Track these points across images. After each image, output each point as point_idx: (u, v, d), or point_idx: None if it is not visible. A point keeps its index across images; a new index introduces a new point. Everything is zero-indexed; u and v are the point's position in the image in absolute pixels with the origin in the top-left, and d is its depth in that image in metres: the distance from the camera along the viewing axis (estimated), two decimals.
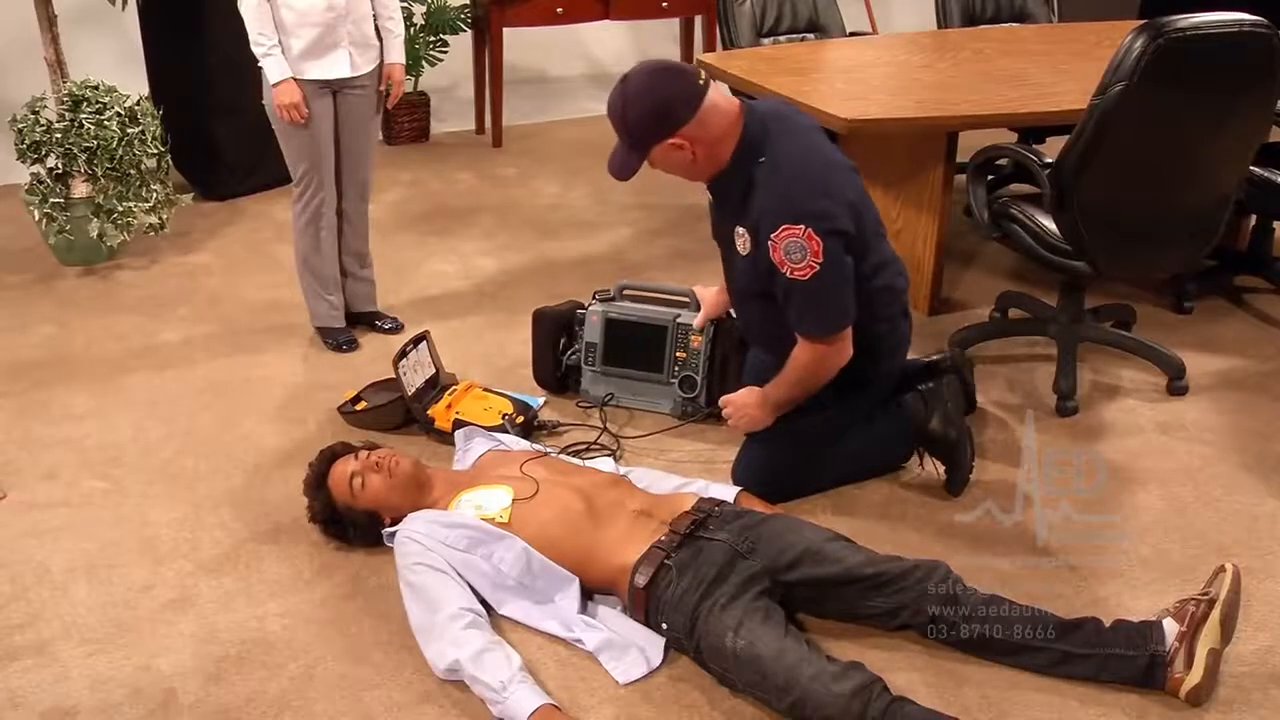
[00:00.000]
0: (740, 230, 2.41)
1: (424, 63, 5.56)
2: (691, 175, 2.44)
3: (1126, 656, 2.08)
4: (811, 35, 4.53)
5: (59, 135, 3.93)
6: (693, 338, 2.95)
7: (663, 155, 2.38)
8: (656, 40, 6.79)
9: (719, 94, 2.36)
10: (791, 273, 2.33)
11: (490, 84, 5.68)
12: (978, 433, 2.86)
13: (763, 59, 4.00)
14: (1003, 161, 3.68)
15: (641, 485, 2.56)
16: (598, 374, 3.12)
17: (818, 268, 2.31)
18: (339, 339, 3.52)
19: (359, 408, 3.07)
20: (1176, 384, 3.20)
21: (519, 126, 5.92)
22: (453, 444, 2.85)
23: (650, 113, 2.33)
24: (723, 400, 2.66)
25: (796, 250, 2.30)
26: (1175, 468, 2.85)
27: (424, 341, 3.13)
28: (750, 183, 2.37)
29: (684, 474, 2.71)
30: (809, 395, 2.55)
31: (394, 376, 2.99)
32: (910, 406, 2.69)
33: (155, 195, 4.12)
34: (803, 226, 2.29)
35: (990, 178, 3.87)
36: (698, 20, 6.09)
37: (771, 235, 2.32)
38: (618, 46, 6.82)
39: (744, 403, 2.61)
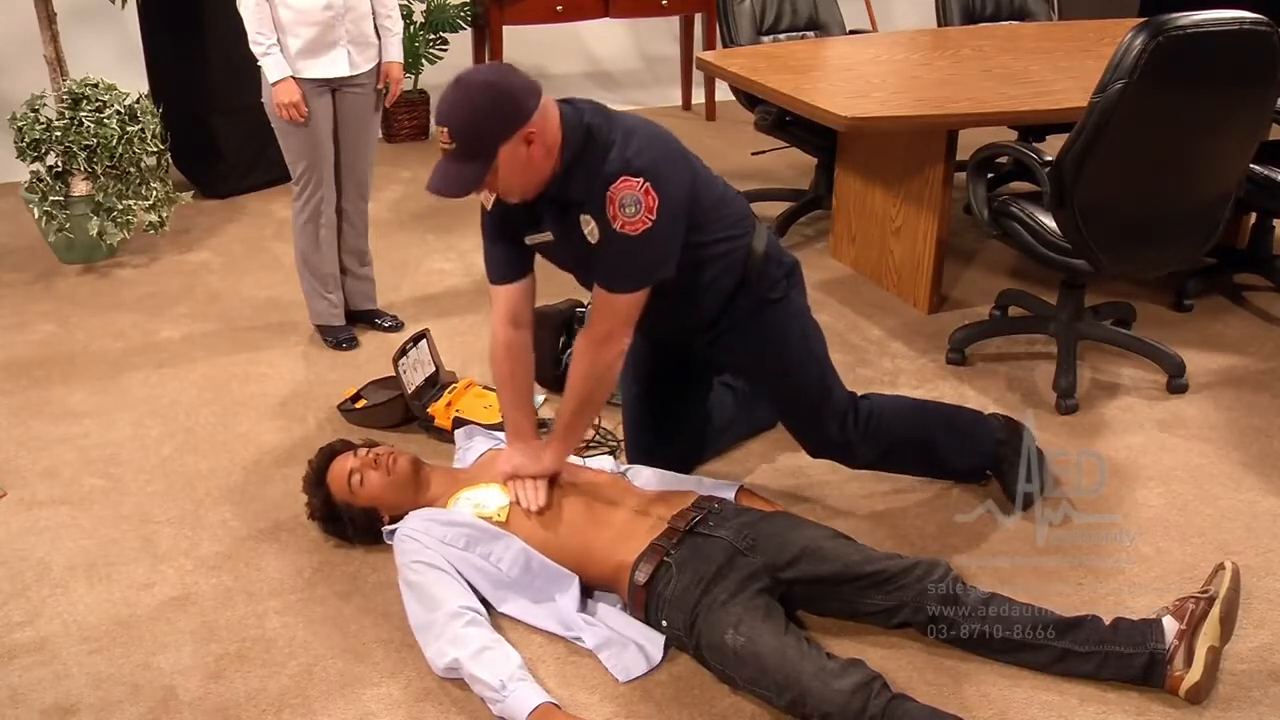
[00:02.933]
0: (586, 218, 2.22)
1: (424, 60, 5.56)
2: (530, 183, 2.19)
3: (1126, 654, 2.08)
4: (811, 33, 4.53)
5: (59, 133, 3.93)
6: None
7: (510, 156, 2.11)
8: (656, 38, 6.79)
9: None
10: (622, 226, 2.16)
11: None
12: None
13: (763, 57, 4.00)
14: (1003, 159, 3.68)
15: (640, 482, 2.56)
16: None
17: (649, 224, 2.16)
18: (339, 337, 3.52)
19: (359, 405, 3.08)
20: (1176, 382, 3.20)
21: None
22: (452, 442, 2.85)
23: (498, 105, 2.09)
24: (507, 483, 2.42)
25: (631, 203, 2.14)
26: (1175, 465, 2.85)
27: (424, 339, 3.13)
28: (593, 168, 2.18)
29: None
30: (595, 406, 2.43)
31: (394, 374, 2.99)
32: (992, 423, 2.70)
33: (155, 193, 4.13)
34: (641, 180, 2.14)
35: (990, 176, 3.87)
36: (698, 18, 6.09)
37: (610, 189, 2.15)
38: (617, 45, 6.82)
39: (520, 465, 2.41)
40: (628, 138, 2.18)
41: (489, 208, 2.35)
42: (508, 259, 2.42)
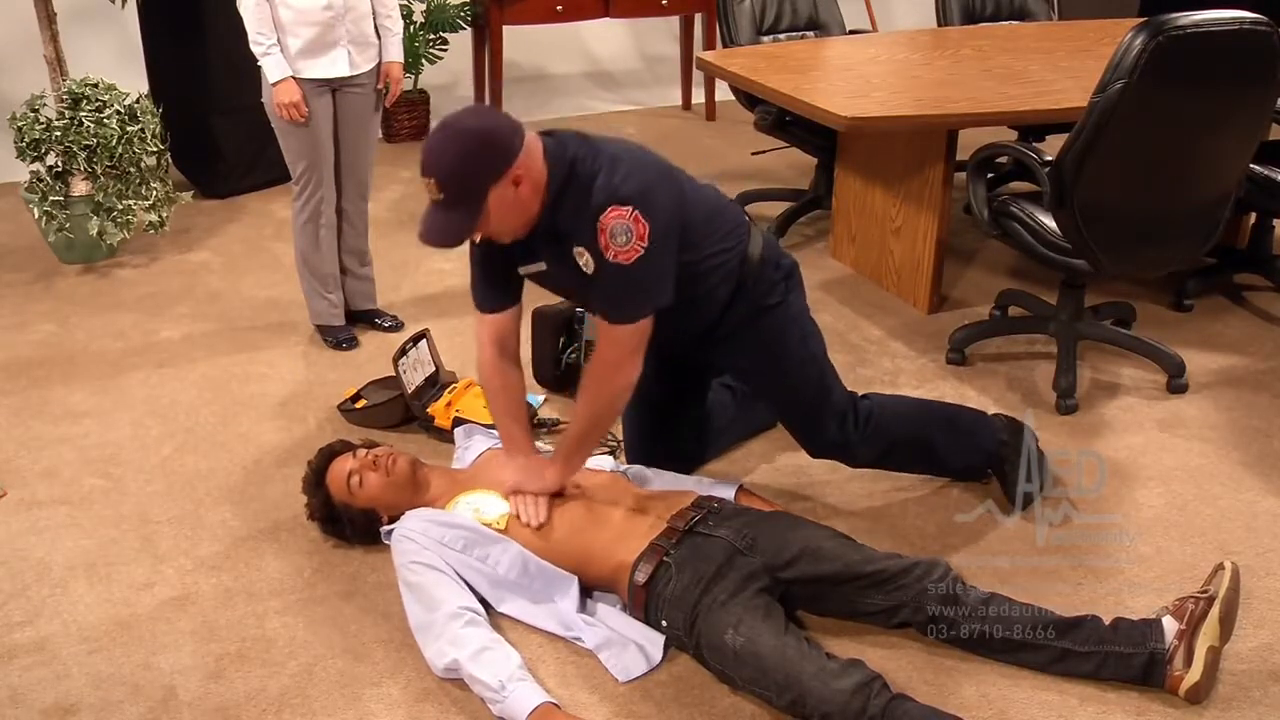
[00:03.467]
0: (579, 250, 2.21)
1: (424, 60, 5.56)
2: (521, 223, 2.20)
3: (1126, 654, 2.08)
4: (811, 33, 4.53)
5: (59, 133, 3.93)
6: None
7: (499, 199, 2.11)
8: (656, 38, 6.79)
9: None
10: (615, 256, 2.15)
11: (490, 82, 5.68)
12: None
13: (762, 57, 4.00)
14: (1003, 159, 3.68)
15: (639, 482, 2.56)
16: None
17: (641, 252, 2.14)
18: (339, 337, 3.52)
19: (359, 405, 3.08)
20: (1176, 382, 3.20)
21: None
22: (452, 442, 2.85)
23: (483, 149, 2.09)
24: (509, 497, 2.40)
25: (622, 232, 2.13)
26: (1175, 465, 2.85)
27: (424, 339, 3.13)
28: (580, 199, 2.16)
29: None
30: (601, 432, 2.43)
31: (394, 374, 2.99)
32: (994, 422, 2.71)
33: (155, 193, 4.13)
34: (630, 208, 2.12)
35: (990, 176, 3.87)
36: (698, 18, 6.09)
37: (599, 219, 2.13)
38: (617, 45, 6.82)
39: (522, 483, 2.39)
40: (613, 165, 2.17)
41: (478, 239, 2.33)
42: (496, 288, 2.42)
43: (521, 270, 2.36)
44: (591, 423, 2.38)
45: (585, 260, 2.21)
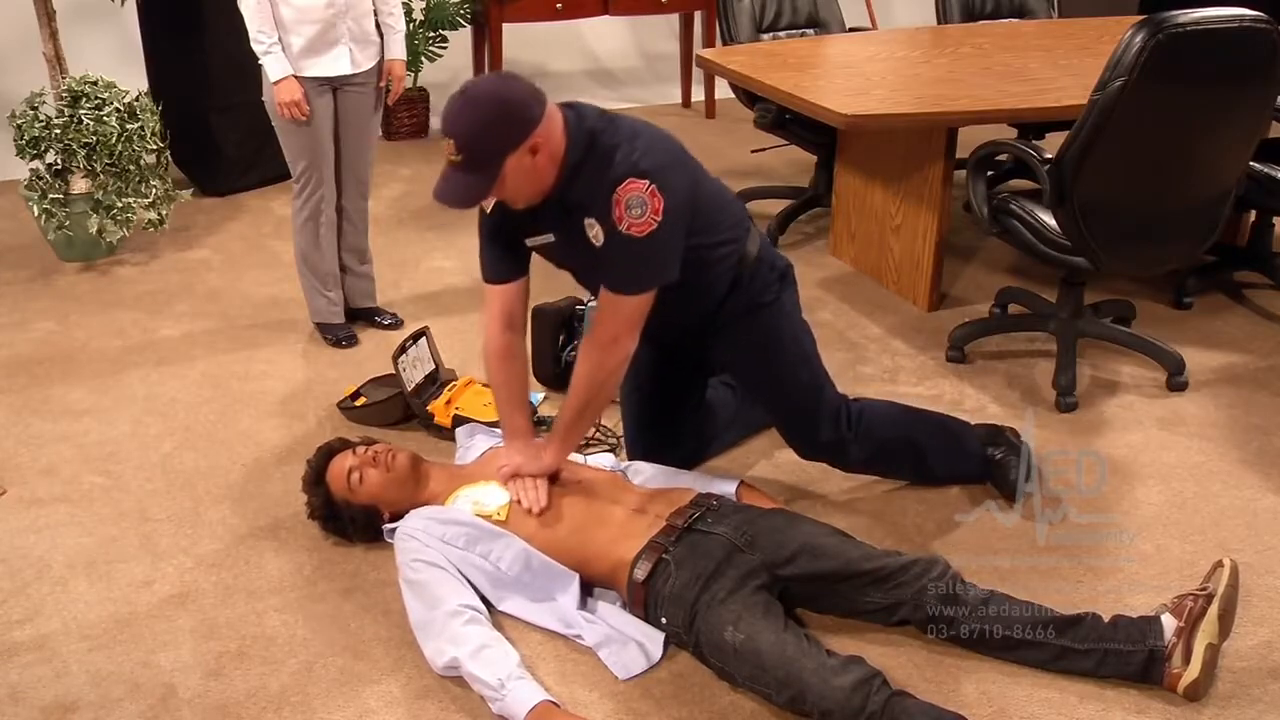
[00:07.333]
0: (590, 221, 2.22)
1: (423, 58, 5.56)
2: (536, 190, 2.20)
3: (1125, 652, 2.09)
4: (811, 31, 4.53)
5: (58, 131, 3.93)
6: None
7: (516, 166, 2.12)
8: (655, 36, 6.80)
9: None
10: (628, 228, 2.16)
11: None
12: None
13: (762, 55, 4.00)
14: (1003, 157, 3.69)
15: (639, 480, 2.56)
16: None
17: (655, 225, 2.16)
18: (338, 335, 3.53)
19: (358, 403, 3.08)
20: (1176, 379, 3.20)
21: None
22: (451, 439, 2.85)
23: (504, 116, 2.10)
24: (508, 483, 2.41)
25: (638, 205, 2.14)
26: (1175, 463, 2.85)
27: (423, 337, 3.13)
28: (598, 172, 2.18)
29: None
30: (597, 409, 2.42)
31: (394, 372, 2.99)
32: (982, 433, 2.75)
33: (154, 191, 4.13)
34: (647, 181, 2.14)
35: (990, 174, 3.86)
36: (697, 16, 6.09)
37: (616, 190, 2.15)
38: (617, 42, 6.82)
39: (521, 465, 2.41)
40: (632, 140, 2.19)
41: (489, 211, 2.35)
42: (504, 259, 2.43)
43: (529, 242, 2.37)
44: (587, 401, 2.38)
45: (595, 232, 2.23)
